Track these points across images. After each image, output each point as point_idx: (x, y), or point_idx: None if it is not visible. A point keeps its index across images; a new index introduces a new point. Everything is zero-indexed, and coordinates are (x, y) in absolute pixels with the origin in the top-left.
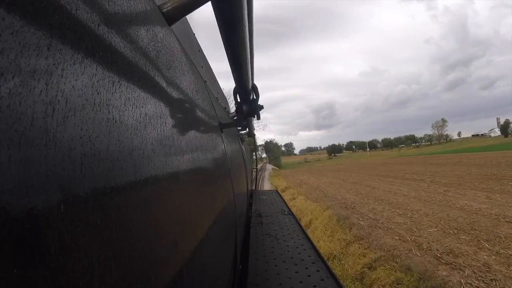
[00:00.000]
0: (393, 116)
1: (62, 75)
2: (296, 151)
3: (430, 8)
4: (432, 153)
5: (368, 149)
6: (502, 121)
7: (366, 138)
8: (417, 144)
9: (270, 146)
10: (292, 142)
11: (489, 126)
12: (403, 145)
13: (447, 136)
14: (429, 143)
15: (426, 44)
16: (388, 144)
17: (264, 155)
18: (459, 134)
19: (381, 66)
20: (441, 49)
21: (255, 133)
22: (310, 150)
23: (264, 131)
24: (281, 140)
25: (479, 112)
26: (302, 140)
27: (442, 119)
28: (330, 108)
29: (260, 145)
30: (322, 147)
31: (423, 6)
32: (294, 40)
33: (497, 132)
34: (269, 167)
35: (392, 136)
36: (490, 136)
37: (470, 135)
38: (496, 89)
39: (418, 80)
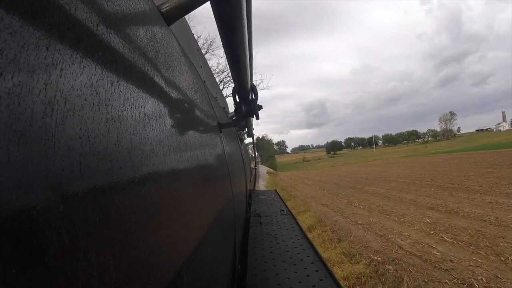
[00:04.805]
0: (385, 113)
1: (61, 75)
2: (288, 150)
3: (424, 3)
4: (465, 150)
5: (374, 146)
6: (507, 114)
7: (358, 135)
8: (424, 140)
9: (262, 144)
10: (284, 140)
11: (485, 121)
12: (405, 141)
13: (451, 131)
14: (434, 138)
15: (419, 40)
16: (390, 140)
17: (256, 154)
18: (458, 129)
19: (373, 63)
20: (434, 45)
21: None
22: (302, 148)
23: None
24: (273, 139)
25: (472, 108)
26: (293, 138)
27: (450, 112)
28: (321, 106)
29: (249, 143)
30: (314, 145)
31: (417, 1)
32: (284, 37)
33: (506, 126)
34: (263, 170)
35: (384, 133)
36: (500, 130)
37: (474, 130)
38: (488, 85)
39: (411, 77)
